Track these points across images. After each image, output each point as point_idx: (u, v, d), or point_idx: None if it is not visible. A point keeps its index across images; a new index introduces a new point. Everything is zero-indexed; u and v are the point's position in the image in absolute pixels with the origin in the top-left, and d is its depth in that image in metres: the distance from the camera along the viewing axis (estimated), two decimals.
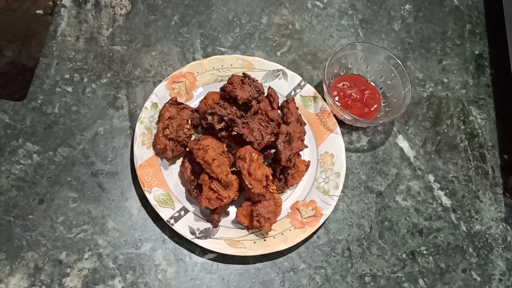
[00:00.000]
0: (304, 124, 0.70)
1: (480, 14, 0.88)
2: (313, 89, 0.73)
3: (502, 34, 0.81)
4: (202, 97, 0.69)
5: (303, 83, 0.74)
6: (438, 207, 0.71)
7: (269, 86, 0.70)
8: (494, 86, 0.82)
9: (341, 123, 0.73)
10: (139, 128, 0.66)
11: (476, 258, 0.69)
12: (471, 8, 0.88)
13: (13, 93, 0.75)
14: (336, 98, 0.74)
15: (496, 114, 0.80)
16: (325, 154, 0.70)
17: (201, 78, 0.71)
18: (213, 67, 0.72)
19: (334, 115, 0.72)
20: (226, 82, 0.68)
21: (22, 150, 0.65)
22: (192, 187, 0.64)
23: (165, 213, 0.62)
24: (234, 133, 0.65)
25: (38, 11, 0.82)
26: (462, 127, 0.78)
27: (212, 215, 0.63)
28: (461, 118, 0.79)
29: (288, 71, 0.74)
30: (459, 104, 0.80)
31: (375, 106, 0.74)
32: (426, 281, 0.67)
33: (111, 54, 0.73)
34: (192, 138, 0.68)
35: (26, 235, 0.61)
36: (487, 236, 0.71)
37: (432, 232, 0.70)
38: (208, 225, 0.63)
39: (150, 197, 0.62)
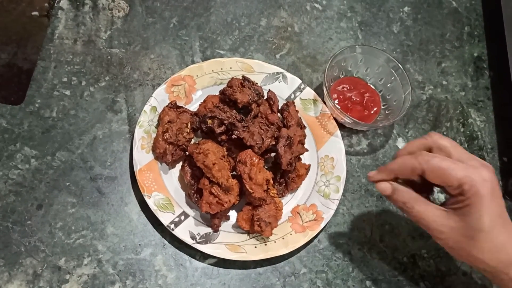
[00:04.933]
0: (304, 127, 0.70)
1: (479, 16, 0.88)
2: (313, 92, 0.73)
3: (500, 36, 0.81)
4: (202, 101, 0.69)
5: (302, 86, 0.73)
6: None
7: (269, 89, 0.70)
8: (493, 89, 0.82)
9: (341, 126, 0.73)
10: (138, 132, 0.65)
11: None
12: (470, 10, 0.89)
13: (9, 96, 0.75)
14: (336, 101, 0.73)
15: (495, 117, 0.80)
16: (325, 157, 0.70)
17: (200, 81, 0.71)
18: (213, 70, 0.72)
19: (334, 118, 0.72)
20: (225, 85, 0.67)
21: (20, 154, 0.64)
22: (192, 191, 0.63)
23: (165, 218, 0.62)
24: (234, 136, 0.64)
25: (33, 13, 0.81)
26: (462, 130, 0.78)
27: (213, 219, 0.62)
28: (461, 121, 0.79)
29: (288, 74, 0.73)
30: (458, 106, 0.80)
31: (375, 109, 0.74)
32: (427, 284, 0.67)
33: (109, 57, 0.73)
34: (192, 142, 0.67)
35: (25, 241, 0.60)
36: None
37: None
38: (209, 229, 0.63)
39: (150, 202, 0.62)
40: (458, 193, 0.51)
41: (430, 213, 0.53)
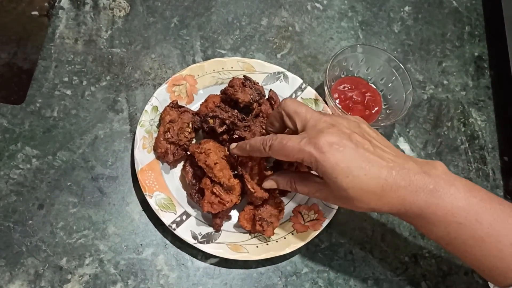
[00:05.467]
0: None
1: (479, 16, 0.88)
2: (314, 91, 0.73)
3: (501, 36, 0.81)
4: (203, 100, 0.69)
5: (304, 85, 0.73)
6: None
7: (270, 89, 0.70)
8: (494, 88, 0.82)
9: None
10: (139, 132, 0.65)
11: None
12: (470, 10, 0.89)
13: (9, 96, 0.75)
14: (337, 101, 0.73)
15: (496, 116, 0.80)
16: None
17: (201, 81, 0.71)
18: (214, 70, 0.71)
19: None
20: (226, 85, 0.67)
21: (21, 154, 0.64)
22: (194, 191, 0.63)
23: (167, 218, 0.62)
24: (235, 136, 0.64)
25: (33, 13, 0.81)
26: (463, 129, 0.78)
27: (214, 219, 0.62)
28: (461, 120, 0.79)
29: (289, 74, 0.73)
30: (459, 106, 0.80)
31: (376, 108, 0.74)
32: (428, 283, 0.67)
33: (110, 56, 0.72)
34: (193, 142, 0.67)
35: (26, 241, 0.60)
36: None
37: None
38: (210, 229, 0.63)
39: (152, 202, 0.62)
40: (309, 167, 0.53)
41: (309, 188, 0.56)
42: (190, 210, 0.64)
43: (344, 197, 0.52)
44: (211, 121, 0.64)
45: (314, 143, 0.51)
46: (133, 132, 0.68)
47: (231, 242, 0.62)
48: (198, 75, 0.71)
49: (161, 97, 0.68)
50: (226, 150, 0.65)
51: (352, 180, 0.50)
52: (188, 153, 0.65)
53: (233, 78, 0.67)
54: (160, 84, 0.71)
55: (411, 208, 0.52)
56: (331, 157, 0.50)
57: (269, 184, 0.60)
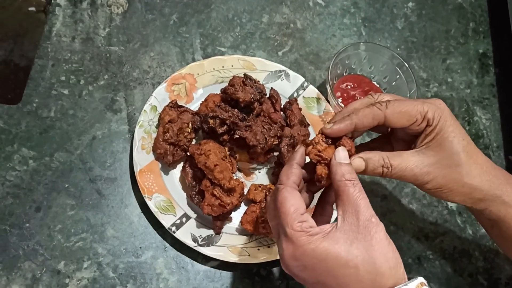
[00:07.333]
0: (308, 125, 0.68)
1: (484, 12, 0.87)
2: (316, 90, 0.72)
3: (506, 32, 0.80)
4: (203, 99, 0.68)
5: (306, 84, 0.72)
6: (444, 210, 0.70)
7: (271, 88, 0.69)
8: (499, 86, 0.81)
9: None
10: (138, 132, 0.64)
11: (483, 262, 0.68)
12: (475, 6, 0.87)
13: (6, 94, 0.73)
14: (340, 100, 0.72)
15: (500, 114, 0.79)
16: None
17: (201, 80, 0.69)
18: (214, 68, 0.70)
19: None
20: (227, 84, 0.66)
21: (18, 155, 0.63)
22: (194, 193, 0.62)
23: (167, 220, 0.60)
24: (236, 136, 0.63)
25: (30, 9, 0.80)
26: (467, 128, 0.77)
27: (215, 221, 0.61)
28: (466, 119, 0.78)
29: (291, 72, 0.72)
30: (464, 104, 0.79)
31: None
32: (432, 286, 0.66)
33: (108, 55, 0.71)
34: (193, 142, 0.66)
35: (23, 244, 0.59)
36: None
37: (438, 236, 0.69)
38: (211, 232, 0.62)
39: (151, 204, 0.61)
40: (424, 126, 0.50)
41: (407, 161, 0.51)
42: (190, 212, 0.63)
43: (451, 166, 0.51)
44: (211, 121, 0.63)
45: (435, 103, 0.51)
46: (131, 133, 0.67)
47: (232, 244, 0.61)
48: (198, 74, 0.69)
49: (160, 97, 0.66)
50: (227, 150, 0.64)
51: (467, 144, 0.51)
52: (188, 153, 0.64)
53: (234, 76, 0.66)
54: (159, 83, 0.70)
55: (506, 191, 0.52)
56: (452, 117, 0.51)
57: (358, 163, 0.51)
